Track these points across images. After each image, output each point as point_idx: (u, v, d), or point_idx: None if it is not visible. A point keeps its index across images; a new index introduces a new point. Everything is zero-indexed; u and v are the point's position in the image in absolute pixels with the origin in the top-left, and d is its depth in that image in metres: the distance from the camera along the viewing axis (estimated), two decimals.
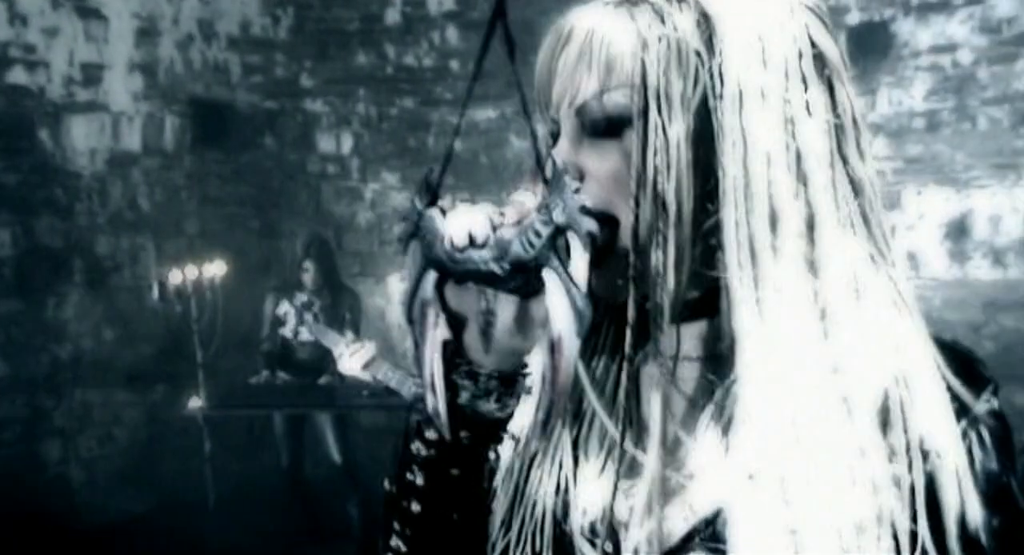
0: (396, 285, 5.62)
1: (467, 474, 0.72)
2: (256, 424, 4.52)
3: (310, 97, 5.58)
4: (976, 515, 0.61)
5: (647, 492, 0.67)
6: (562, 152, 0.68)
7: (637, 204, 0.63)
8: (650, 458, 0.68)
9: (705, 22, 0.63)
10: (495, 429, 0.70)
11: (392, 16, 5.51)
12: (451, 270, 0.62)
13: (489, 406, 0.67)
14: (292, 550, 4.13)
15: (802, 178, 0.63)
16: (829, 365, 0.62)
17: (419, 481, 0.72)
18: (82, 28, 4.75)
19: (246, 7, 5.34)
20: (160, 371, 4.84)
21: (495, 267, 0.59)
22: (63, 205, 4.75)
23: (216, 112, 5.28)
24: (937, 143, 4.63)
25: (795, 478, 0.61)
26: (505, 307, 0.64)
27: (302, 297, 3.90)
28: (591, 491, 0.71)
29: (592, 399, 0.72)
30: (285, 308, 3.91)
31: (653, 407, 0.71)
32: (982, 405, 0.63)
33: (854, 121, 0.65)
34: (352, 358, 3.19)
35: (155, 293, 3.82)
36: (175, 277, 3.84)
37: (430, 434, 0.71)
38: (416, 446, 0.72)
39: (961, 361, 0.65)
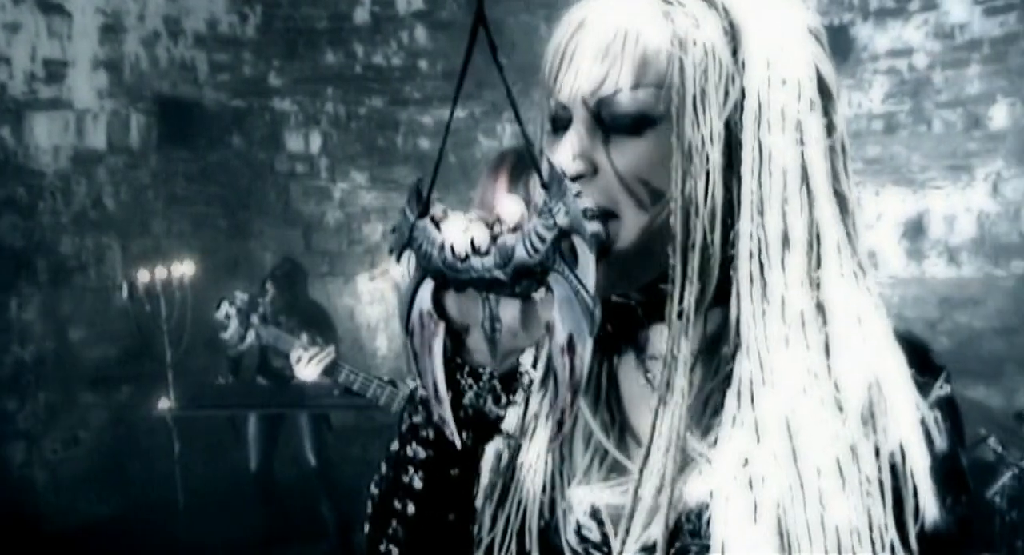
0: (365, 285, 5.63)
1: (465, 474, 0.73)
2: (227, 425, 4.48)
3: (278, 96, 5.55)
4: (935, 514, 0.65)
5: (634, 490, 0.68)
6: (574, 142, 0.67)
7: (670, 203, 0.64)
8: (636, 458, 0.69)
9: (731, 33, 0.65)
10: (495, 427, 0.72)
11: (361, 15, 5.51)
12: (452, 279, 0.61)
13: (491, 405, 0.69)
14: (263, 552, 4.12)
15: (811, 197, 0.66)
16: (824, 369, 0.65)
17: (416, 483, 0.73)
18: (45, 24, 4.67)
19: (213, 4, 5.30)
20: (126, 372, 4.78)
21: (499, 274, 0.59)
22: (25, 204, 4.66)
23: (183, 110, 5.22)
24: (894, 145, 4.75)
25: (786, 477, 0.62)
26: (508, 311, 0.64)
27: (243, 296, 3.37)
28: (577, 490, 0.71)
29: (579, 401, 0.70)
30: (225, 310, 3.31)
31: (638, 405, 0.73)
32: (937, 392, 0.68)
33: (843, 144, 0.68)
34: (311, 363, 3.10)
35: (124, 293, 3.78)
36: (144, 277, 3.80)
37: (427, 435, 0.71)
38: (413, 448, 0.73)
39: (916, 352, 0.69)
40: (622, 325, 0.74)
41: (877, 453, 0.64)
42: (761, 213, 0.65)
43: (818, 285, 0.66)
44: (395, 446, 0.76)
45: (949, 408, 0.68)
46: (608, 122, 0.66)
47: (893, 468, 0.64)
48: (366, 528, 0.78)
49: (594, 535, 0.70)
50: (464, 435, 0.69)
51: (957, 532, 0.66)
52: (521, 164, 2.21)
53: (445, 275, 0.61)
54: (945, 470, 0.66)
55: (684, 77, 0.63)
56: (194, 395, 3.93)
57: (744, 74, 0.64)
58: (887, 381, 0.66)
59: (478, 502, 0.76)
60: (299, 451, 4.10)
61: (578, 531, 0.71)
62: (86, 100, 4.87)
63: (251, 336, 3.31)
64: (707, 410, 0.68)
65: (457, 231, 0.60)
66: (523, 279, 0.59)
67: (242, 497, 4.28)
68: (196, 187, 5.37)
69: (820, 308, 0.66)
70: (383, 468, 0.77)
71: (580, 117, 0.67)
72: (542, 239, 0.57)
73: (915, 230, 4.66)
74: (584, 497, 0.71)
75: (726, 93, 0.64)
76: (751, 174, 0.65)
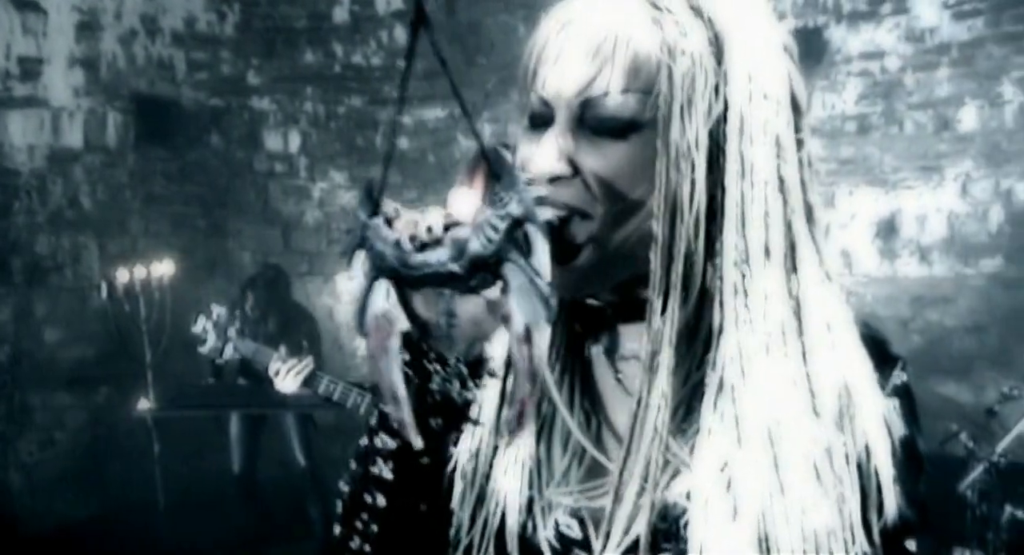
0: (344, 284, 5.61)
1: (435, 462, 0.73)
2: (207, 425, 4.46)
3: (257, 95, 5.52)
4: (897, 504, 0.67)
5: (614, 492, 0.67)
6: (557, 142, 0.66)
7: (646, 208, 0.65)
8: (615, 458, 0.69)
9: (716, 44, 0.65)
10: (463, 414, 0.71)
11: (340, 14, 5.49)
12: (406, 276, 0.59)
13: (459, 390, 0.68)
14: (246, 553, 4.10)
15: (787, 209, 0.67)
16: (803, 376, 0.66)
17: (386, 474, 0.73)
18: (19, 21, 4.61)
19: (191, 3, 5.26)
20: (104, 373, 4.73)
21: (454, 267, 0.57)
22: (0, 203, 4.61)
23: (161, 109, 5.18)
24: (867, 145, 4.80)
25: (767, 484, 0.63)
26: (465, 305, 0.62)
27: (220, 310, 3.41)
28: (557, 490, 0.71)
29: (555, 397, 0.72)
30: (202, 324, 3.34)
31: (612, 405, 0.73)
32: (894, 381, 0.72)
33: (809, 157, 0.70)
34: (289, 375, 3.11)
35: (103, 293, 3.74)
36: (123, 277, 3.77)
37: (396, 425, 0.71)
38: (382, 439, 0.73)
39: (874, 344, 0.72)
40: (592, 325, 0.75)
41: (847, 456, 0.66)
42: (744, 224, 0.66)
43: (795, 294, 0.67)
44: (364, 440, 0.75)
45: (906, 395, 0.72)
46: (592, 124, 0.66)
47: (860, 467, 0.66)
48: (336, 529, 0.77)
49: (575, 534, 0.70)
50: (433, 422, 0.69)
51: (914, 517, 0.70)
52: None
53: (400, 273, 0.59)
54: (905, 454, 0.70)
55: (672, 85, 0.63)
56: (175, 395, 3.90)
57: (728, 86, 0.65)
58: (855, 385, 0.68)
59: (455, 502, 0.75)
60: (287, 451, 4.08)
61: (558, 531, 0.71)
62: (62, 98, 4.81)
63: (229, 350, 3.34)
64: (683, 414, 0.68)
65: (410, 226, 0.59)
66: (479, 272, 0.58)
67: (224, 498, 4.25)
68: (174, 186, 5.32)
69: (797, 316, 0.67)
70: (352, 464, 0.77)
71: (564, 116, 0.66)
72: (495, 229, 0.56)
73: (888, 230, 4.72)
74: (564, 497, 0.71)
75: (711, 103, 0.65)
76: (735, 185, 0.65)
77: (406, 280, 0.60)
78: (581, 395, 0.73)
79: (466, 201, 0.63)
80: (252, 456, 4.15)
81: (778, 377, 0.66)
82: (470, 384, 0.70)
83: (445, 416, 0.70)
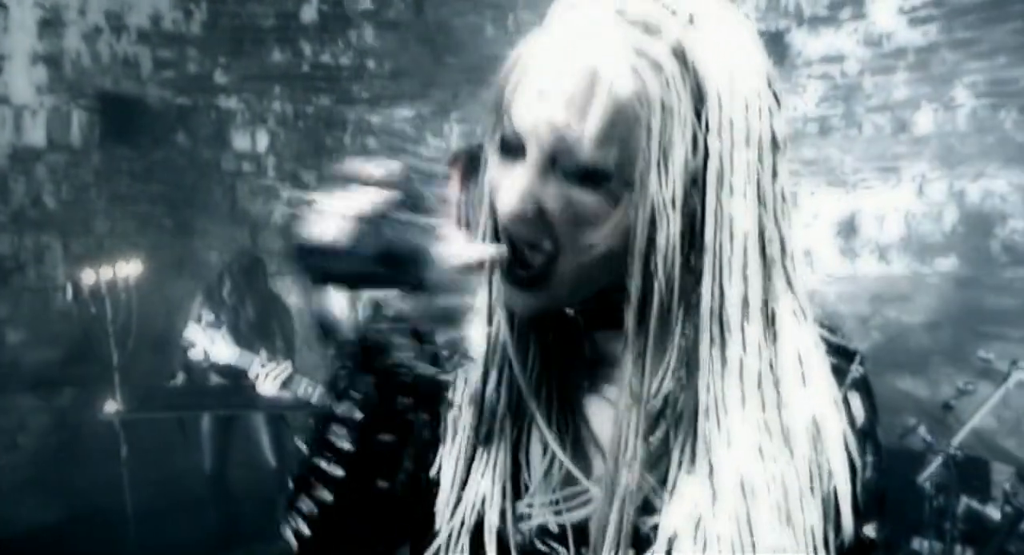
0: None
1: (399, 441, 0.72)
2: (175, 427, 4.41)
3: (224, 93, 5.46)
4: (850, 532, 0.71)
5: (596, 517, 0.68)
6: (524, 180, 0.65)
7: (629, 266, 0.65)
8: (591, 466, 0.72)
9: (698, 93, 0.63)
10: (434, 396, 0.73)
11: (308, 13, 5.46)
12: (329, 276, 0.62)
13: (429, 369, 0.69)
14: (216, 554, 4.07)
15: (766, 260, 0.67)
16: (777, 425, 0.68)
17: (344, 444, 0.72)
18: None
19: (157, 0, 5.19)
20: (68, 375, 4.66)
21: (371, 267, 0.60)
22: None
23: (126, 107, 5.10)
24: (828, 147, 4.87)
25: (740, 537, 0.65)
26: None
27: (209, 316, 3.60)
28: (536, 497, 0.72)
29: (532, 407, 0.73)
30: (193, 329, 3.50)
31: (588, 411, 0.75)
32: (852, 374, 0.76)
33: (783, 191, 0.69)
34: (268, 379, 3.15)
35: (68, 293, 3.69)
36: (88, 277, 3.72)
37: (363, 396, 0.70)
38: (347, 407, 0.72)
39: (833, 339, 0.76)
40: (565, 333, 0.75)
41: (815, 490, 0.69)
42: (721, 276, 0.65)
43: (771, 343, 0.68)
44: (328, 403, 0.75)
45: (864, 386, 0.77)
46: (564, 167, 0.64)
47: (824, 499, 0.70)
48: (290, 484, 0.76)
49: (548, 548, 0.71)
50: (402, 400, 0.71)
51: (876, 507, 0.75)
52: (473, 163, 2.28)
53: (324, 274, 0.62)
54: (866, 440, 0.75)
55: (650, 138, 0.62)
56: (143, 397, 3.87)
57: (708, 135, 0.63)
58: (824, 419, 0.71)
59: (439, 505, 0.75)
60: (256, 452, 4.06)
61: (539, 538, 0.71)
62: (24, 96, 4.72)
63: (214, 355, 3.41)
64: (661, 463, 0.69)
65: (324, 224, 0.61)
66: (394, 268, 0.60)
67: (193, 501, 4.20)
68: (140, 186, 5.24)
69: (772, 367, 0.68)
70: (311, 423, 0.76)
71: (535, 154, 0.65)
72: (407, 226, 0.59)
73: (848, 229, 4.80)
74: (541, 507, 0.72)
75: (688, 157, 0.63)
76: (713, 238, 0.64)
77: (328, 279, 0.62)
78: (560, 403, 0.74)
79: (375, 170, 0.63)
80: (223, 456, 4.12)
81: (753, 427, 0.66)
82: (444, 366, 0.72)
83: (414, 395, 0.71)
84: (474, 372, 0.75)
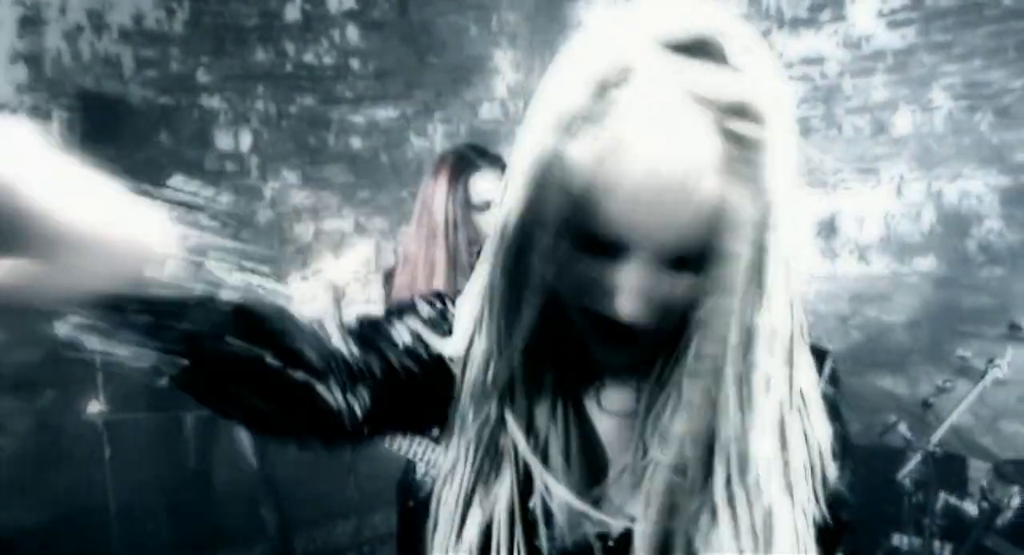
0: (297, 285, 5.56)
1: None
2: (158, 427, 4.39)
3: (207, 93, 5.43)
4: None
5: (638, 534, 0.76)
6: (638, 281, 0.69)
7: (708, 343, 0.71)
8: (611, 489, 0.79)
9: (766, 206, 0.67)
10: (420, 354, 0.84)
11: (292, 13, 5.44)
12: None
13: (421, 327, 0.84)
14: None
15: (795, 322, 0.74)
16: (801, 472, 0.76)
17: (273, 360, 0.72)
18: None
19: None
20: (49, 376, 4.61)
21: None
22: None
23: (108, 107, 5.05)
24: (809, 148, 4.94)
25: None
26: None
27: None
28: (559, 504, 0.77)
29: (551, 444, 0.78)
30: None
31: (601, 433, 0.81)
32: (826, 369, 0.85)
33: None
34: None
35: None
36: None
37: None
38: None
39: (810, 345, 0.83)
40: (582, 372, 0.82)
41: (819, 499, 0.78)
42: (757, 345, 0.71)
43: (791, 383, 0.74)
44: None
45: (838, 379, 0.87)
46: (674, 261, 0.69)
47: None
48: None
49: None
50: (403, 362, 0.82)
51: (848, 493, 0.82)
52: (460, 165, 2.29)
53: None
54: (838, 426, 0.82)
55: (734, 232, 0.66)
56: (127, 397, 3.85)
57: (767, 234, 0.68)
58: (815, 423, 0.79)
59: (429, 527, 0.81)
60: (239, 452, 4.05)
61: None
62: (4, 95, 4.66)
63: None
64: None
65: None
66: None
67: (175, 502, 4.19)
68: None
69: (793, 402, 0.75)
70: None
71: (644, 257, 0.69)
72: None
73: (828, 229, 4.85)
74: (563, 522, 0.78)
75: (754, 219, 0.68)
76: (762, 316, 0.70)
77: None
78: (575, 431, 0.79)
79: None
80: (207, 457, 4.11)
81: (775, 466, 0.73)
82: (436, 331, 0.81)
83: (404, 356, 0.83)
84: (474, 401, 0.79)
